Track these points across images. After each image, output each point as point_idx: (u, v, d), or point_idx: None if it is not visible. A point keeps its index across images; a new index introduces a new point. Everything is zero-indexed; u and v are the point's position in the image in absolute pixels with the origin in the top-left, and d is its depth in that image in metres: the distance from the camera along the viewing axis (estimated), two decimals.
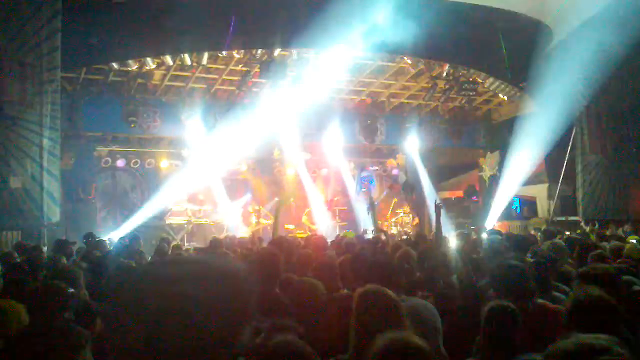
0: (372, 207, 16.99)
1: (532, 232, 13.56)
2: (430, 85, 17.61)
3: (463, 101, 18.89)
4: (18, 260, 6.91)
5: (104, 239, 11.42)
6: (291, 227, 18.85)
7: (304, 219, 19.46)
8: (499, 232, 10.61)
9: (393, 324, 2.86)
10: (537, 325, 3.51)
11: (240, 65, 15.76)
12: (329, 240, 9.00)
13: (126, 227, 15.80)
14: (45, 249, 10.32)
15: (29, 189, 11.01)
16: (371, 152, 21.08)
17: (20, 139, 11.01)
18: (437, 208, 7.06)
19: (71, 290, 3.97)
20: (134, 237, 10.13)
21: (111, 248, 10.06)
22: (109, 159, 17.51)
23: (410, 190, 17.13)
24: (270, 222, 18.19)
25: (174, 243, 12.44)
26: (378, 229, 11.14)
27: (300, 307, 3.60)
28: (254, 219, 18.25)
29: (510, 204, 18.54)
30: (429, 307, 4.09)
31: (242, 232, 16.94)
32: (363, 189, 18.99)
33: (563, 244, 7.13)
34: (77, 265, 6.03)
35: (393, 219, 19.79)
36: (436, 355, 3.62)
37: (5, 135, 10.86)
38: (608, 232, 11.65)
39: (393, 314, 2.93)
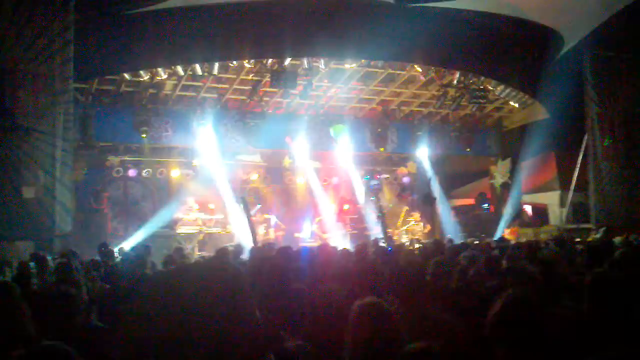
0: (381, 216, 16.96)
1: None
2: (440, 93, 17.61)
3: (474, 109, 18.84)
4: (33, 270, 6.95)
5: (113, 249, 11.45)
6: (301, 235, 18.83)
7: (315, 227, 19.43)
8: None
9: (388, 338, 2.88)
10: None
11: (251, 75, 15.82)
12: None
13: (137, 237, 15.83)
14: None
15: (42, 199, 11.08)
16: (382, 160, 21.06)
17: (33, 150, 11.09)
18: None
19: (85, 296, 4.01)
20: (145, 247, 10.15)
21: (119, 258, 10.12)
22: (120, 168, 17.57)
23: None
24: (281, 233, 18.24)
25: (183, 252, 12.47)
26: (388, 239, 11.09)
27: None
28: (262, 229, 18.22)
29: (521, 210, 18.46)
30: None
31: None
32: (372, 198, 18.94)
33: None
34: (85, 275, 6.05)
35: (404, 227, 19.73)
36: None
37: (18, 145, 10.94)
38: (617, 240, 11.50)
39: (388, 327, 2.93)
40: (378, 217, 17.44)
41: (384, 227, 16.44)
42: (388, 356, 2.83)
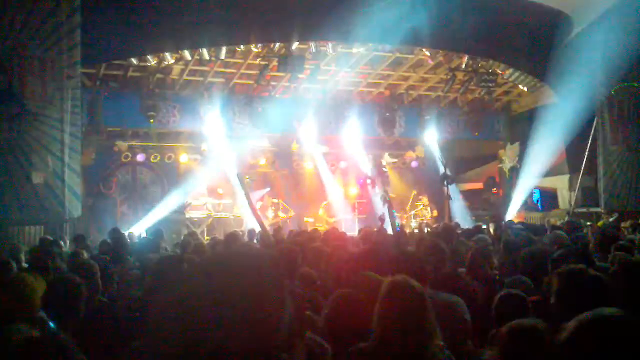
0: (385, 201, 16.88)
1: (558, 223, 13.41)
2: (449, 76, 17.50)
3: (482, 92, 18.76)
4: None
5: (124, 233, 11.51)
6: (310, 220, 18.85)
7: (321, 212, 19.45)
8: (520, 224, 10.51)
9: (417, 316, 2.90)
10: None
11: (259, 59, 15.76)
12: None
13: (146, 222, 15.91)
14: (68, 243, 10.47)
15: (51, 184, 11.12)
16: (390, 145, 20.99)
17: (41, 135, 11.12)
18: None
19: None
20: (156, 231, 10.19)
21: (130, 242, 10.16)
22: (128, 153, 17.60)
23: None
24: (290, 215, 18.27)
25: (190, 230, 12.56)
26: (394, 225, 11.03)
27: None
28: (271, 213, 18.29)
29: (531, 195, 18.41)
30: (459, 302, 4.05)
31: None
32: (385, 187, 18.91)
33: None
34: (96, 260, 6.07)
35: (412, 212, 19.72)
36: (464, 350, 3.64)
37: (27, 131, 10.97)
38: (628, 224, 11.50)
39: (418, 306, 2.94)
40: (383, 204, 17.42)
41: (391, 214, 16.38)
42: (417, 334, 2.85)
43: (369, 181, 19.68)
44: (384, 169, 20.68)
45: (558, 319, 2.89)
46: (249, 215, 17.87)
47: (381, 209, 17.90)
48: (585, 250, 4.98)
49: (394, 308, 2.94)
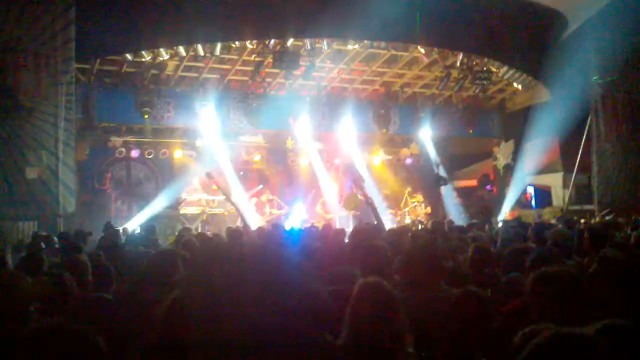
0: (368, 204, 16.90)
1: (553, 221, 13.45)
2: (444, 74, 17.51)
3: (477, 90, 18.76)
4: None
5: (118, 228, 11.51)
6: (305, 216, 18.82)
7: (318, 208, 19.43)
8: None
9: (387, 318, 2.94)
10: None
11: (254, 56, 15.76)
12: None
13: (140, 217, 15.88)
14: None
15: (45, 179, 11.12)
16: (384, 142, 20.99)
17: (35, 130, 11.10)
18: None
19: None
20: (149, 227, 10.19)
21: (124, 238, 10.15)
22: (123, 149, 17.55)
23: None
24: (283, 212, 18.26)
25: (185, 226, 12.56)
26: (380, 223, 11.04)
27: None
28: (267, 209, 18.26)
29: (524, 192, 18.46)
30: None
31: (256, 221, 16.94)
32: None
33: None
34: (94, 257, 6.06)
35: (406, 209, 19.73)
36: None
37: (21, 126, 10.96)
38: (621, 220, 11.52)
39: (388, 307, 2.97)
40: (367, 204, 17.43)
41: (376, 214, 16.40)
42: (387, 336, 2.86)
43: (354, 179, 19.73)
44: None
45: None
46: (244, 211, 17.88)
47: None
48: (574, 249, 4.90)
49: (364, 309, 2.96)
